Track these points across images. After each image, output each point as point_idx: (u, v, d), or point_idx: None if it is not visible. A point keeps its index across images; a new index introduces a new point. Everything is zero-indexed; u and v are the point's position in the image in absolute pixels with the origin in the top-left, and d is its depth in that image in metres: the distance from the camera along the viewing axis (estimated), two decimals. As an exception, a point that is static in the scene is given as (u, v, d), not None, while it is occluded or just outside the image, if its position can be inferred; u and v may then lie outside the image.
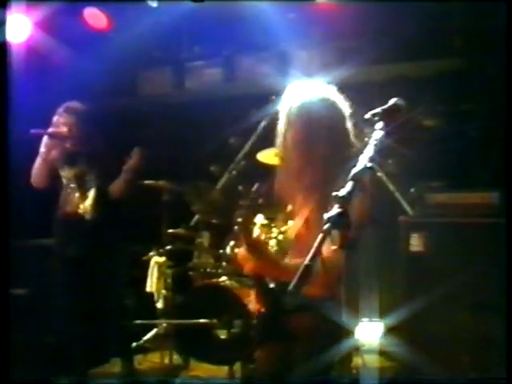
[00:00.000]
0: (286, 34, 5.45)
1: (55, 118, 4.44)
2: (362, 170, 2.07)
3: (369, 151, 2.13)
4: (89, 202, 4.39)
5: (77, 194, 4.40)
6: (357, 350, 4.48)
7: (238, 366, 4.24)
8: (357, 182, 2.01)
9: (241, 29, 5.76)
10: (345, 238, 1.91)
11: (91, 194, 4.41)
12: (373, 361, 4.57)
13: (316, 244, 1.87)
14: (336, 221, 1.91)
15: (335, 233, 1.90)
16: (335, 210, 1.92)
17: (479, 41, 5.26)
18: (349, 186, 1.99)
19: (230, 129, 5.96)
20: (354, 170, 2.05)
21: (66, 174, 4.45)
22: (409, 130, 4.46)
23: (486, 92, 5.07)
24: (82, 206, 4.38)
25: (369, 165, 2.09)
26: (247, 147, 5.33)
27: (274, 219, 4.89)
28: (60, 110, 4.45)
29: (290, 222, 4.80)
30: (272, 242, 4.75)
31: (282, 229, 4.79)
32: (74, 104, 4.50)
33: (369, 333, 4.96)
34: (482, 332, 4.18)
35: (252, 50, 6.06)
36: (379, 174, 4.57)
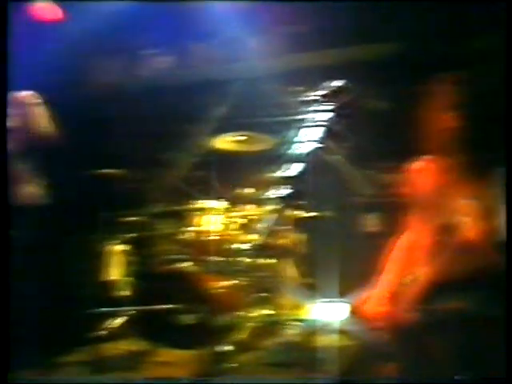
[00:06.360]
0: (235, 21, 5.50)
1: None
2: (312, 151, 2.15)
3: (317, 132, 2.21)
4: (37, 191, 4.40)
5: (27, 184, 4.40)
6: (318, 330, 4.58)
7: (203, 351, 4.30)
8: (307, 162, 2.10)
9: (191, 16, 5.78)
10: (297, 217, 2.00)
11: (39, 184, 4.41)
12: (334, 341, 4.66)
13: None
14: (288, 201, 1.99)
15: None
16: (286, 190, 2.00)
17: (426, 25, 5.37)
18: (299, 166, 2.07)
19: (185, 116, 5.98)
20: (303, 151, 2.13)
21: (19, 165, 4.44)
22: (359, 111, 4.55)
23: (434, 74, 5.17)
24: (30, 196, 4.39)
25: (318, 145, 2.17)
26: (204, 134, 5.38)
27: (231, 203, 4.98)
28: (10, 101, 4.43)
29: (248, 207, 4.90)
30: (233, 226, 4.83)
31: (243, 213, 4.88)
32: (22, 94, 4.47)
33: (329, 313, 5.06)
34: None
35: (203, 37, 6.09)
36: (334, 156, 4.65)
